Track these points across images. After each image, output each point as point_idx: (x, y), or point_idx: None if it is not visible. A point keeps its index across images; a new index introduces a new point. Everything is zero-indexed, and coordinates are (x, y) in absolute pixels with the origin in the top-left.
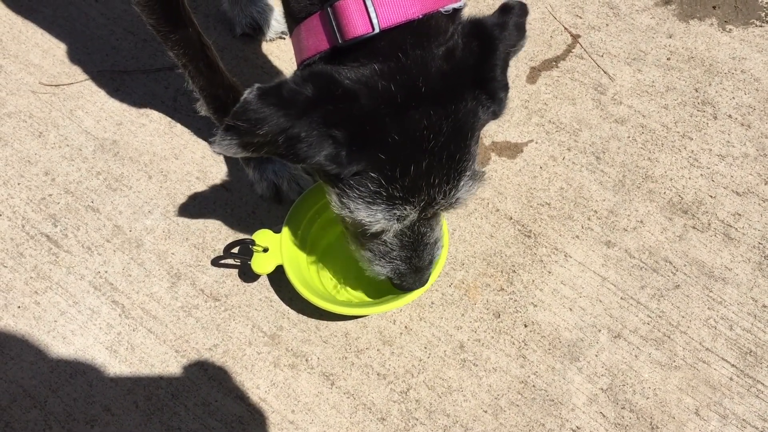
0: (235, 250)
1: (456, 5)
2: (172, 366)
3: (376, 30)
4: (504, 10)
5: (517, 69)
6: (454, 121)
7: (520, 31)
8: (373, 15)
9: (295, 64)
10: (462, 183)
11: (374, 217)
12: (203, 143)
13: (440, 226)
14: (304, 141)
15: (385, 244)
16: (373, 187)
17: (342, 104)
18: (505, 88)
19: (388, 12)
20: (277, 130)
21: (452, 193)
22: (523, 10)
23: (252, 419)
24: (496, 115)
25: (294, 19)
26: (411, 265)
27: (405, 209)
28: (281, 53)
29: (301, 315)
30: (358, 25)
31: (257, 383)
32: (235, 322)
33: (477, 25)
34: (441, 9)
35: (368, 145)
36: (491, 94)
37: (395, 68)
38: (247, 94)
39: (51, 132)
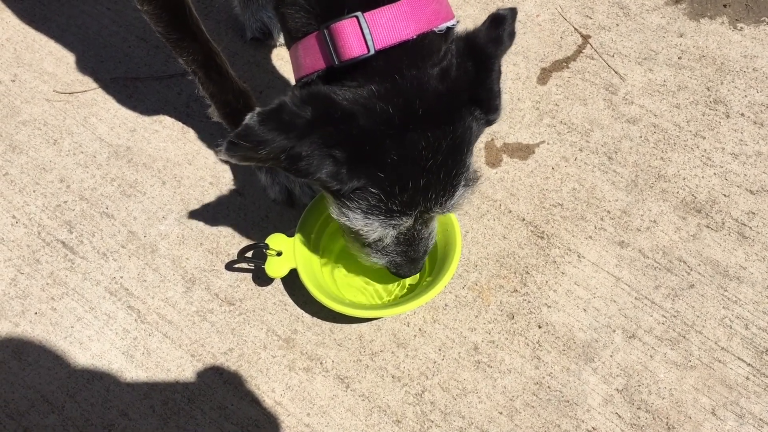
0: (249, 254)
1: (449, 24)
2: (187, 370)
3: (372, 51)
4: (496, 21)
5: (527, 70)
6: (452, 140)
7: (512, 37)
8: (368, 36)
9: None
10: (457, 192)
11: (371, 227)
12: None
13: (435, 222)
14: (305, 159)
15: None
16: (372, 201)
17: (341, 126)
18: (500, 94)
19: (383, 33)
20: (278, 150)
21: (447, 202)
22: (514, 16)
23: (268, 422)
24: (490, 123)
25: (291, 37)
26: (407, 257)
27: (401, 220)
28: None
29: (315, 318)
30: (353, 47)
31: (272, 387)
32: (250, 326)
33: (470, 42)
34: (435, 29)
35: (368, 164)
36: (489, 108)
37: (392, 90)
38: (248, 119)
39: (65, 139)
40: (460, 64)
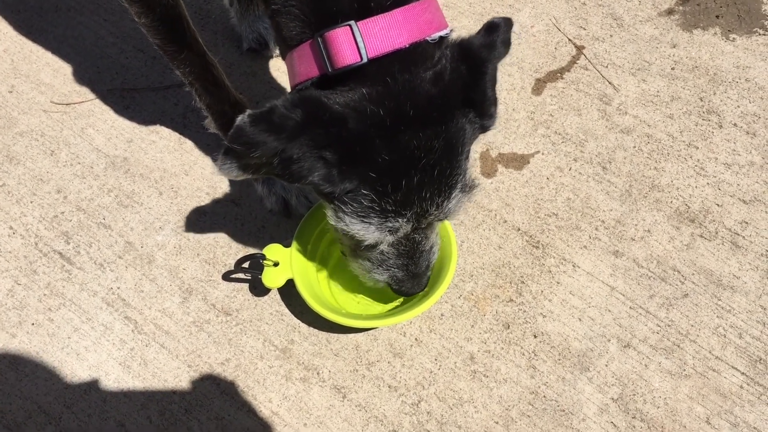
0: (246, 264)
1: (442, 33)
2: (184, 381)
3: (365, 60)
4: (490, 28)
5: (522, 81)
6: (444, 140)
7: (507, 45)
8: (361, 45)
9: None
10: (453, 195)
11: (368, 230)
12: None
13: (436, 233)
14: (296, 162)
15: (382, 253)
16: (365, 203)
17: (331, 128)
18: (495, 102)
19: (376, 42)
20: (270, 153)
21: (444, 205)
22: (509, 25)
23: None
24: (485, 129)
25: (286, 45)
26: (408, 272)
27: (398, 222)
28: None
29: (311, 328)
30: (347, 55)
31: (269, 397)
32: (247, 336)
33: (464, 48)
34: (428, 38)
35: (359, 165)
36: (482, 113)
37: (383, 92)
38: (240, 120)
39: (62, 150)
40: (453, 69)
